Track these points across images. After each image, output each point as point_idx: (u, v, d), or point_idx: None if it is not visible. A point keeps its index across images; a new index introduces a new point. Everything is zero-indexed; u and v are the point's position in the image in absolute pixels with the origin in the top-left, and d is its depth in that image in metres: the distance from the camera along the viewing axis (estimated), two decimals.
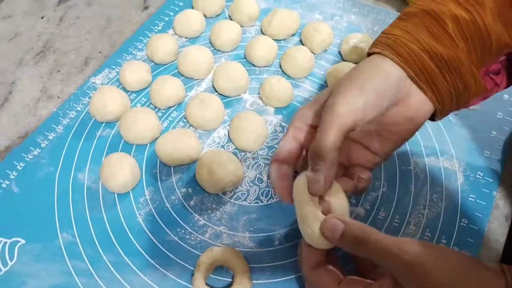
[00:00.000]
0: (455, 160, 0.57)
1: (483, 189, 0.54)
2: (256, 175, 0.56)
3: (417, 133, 0.58)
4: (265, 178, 0.56)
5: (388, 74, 0.41)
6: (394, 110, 0.43)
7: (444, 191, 0.54)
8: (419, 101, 0.43)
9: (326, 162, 0.40)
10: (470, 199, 0.53)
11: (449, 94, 0.43)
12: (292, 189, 0.43)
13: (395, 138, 0.45)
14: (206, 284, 0.47)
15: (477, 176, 0.55)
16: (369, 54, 0.44)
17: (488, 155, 0.57)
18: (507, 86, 0.50)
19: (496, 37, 0.43)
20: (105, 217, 0.53)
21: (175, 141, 0.56)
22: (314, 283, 0.42)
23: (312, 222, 0.40)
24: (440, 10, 0.42)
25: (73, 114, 0.62)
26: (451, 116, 0.60)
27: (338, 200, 0.42)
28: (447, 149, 0.58)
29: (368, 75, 0.41)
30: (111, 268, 0.49)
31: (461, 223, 0.52)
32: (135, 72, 0.63)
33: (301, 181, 0.42)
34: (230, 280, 0.48)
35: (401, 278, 0.36)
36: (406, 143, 0.57)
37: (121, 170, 0.53)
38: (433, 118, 0.46)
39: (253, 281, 0.48)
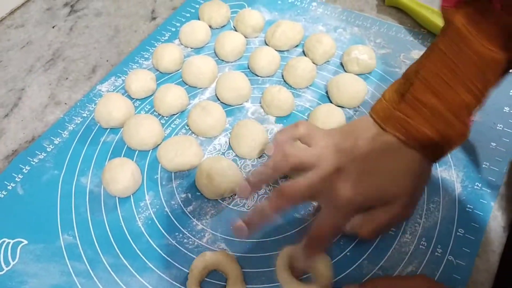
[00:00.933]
0: (454, 170, 0.57)
1: (481, 200, 0.54)
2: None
3: None
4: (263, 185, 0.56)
5: (412, 164, 0.47)
6: None
7: (442, 201, 0.54)
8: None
9: (324, 249, 0.47)
10: (467, 209, 0.54)
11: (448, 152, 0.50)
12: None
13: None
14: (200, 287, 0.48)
15: (475, 187, 0.55)
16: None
17: (487, 166, 0.57)
18: None
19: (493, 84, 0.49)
20: (105, 220, 0.54)
21: (176, 147, 0.57)
22: None
23: None
24: (454, 101, 0.47)
25: (79, 120, 0.63)
26: None
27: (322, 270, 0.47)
28: (446, 159, 0.58)
29: (395, 164, 0.47)
30: (109, 270, 0.50)
31: (458, 233, 0.52)
32: (140, 80, 0.64)
33: (284, 257, 0.48)
34: (224, 284, 0.49)
35: None
36: None
37: (123, 175, 0.54)
38: None
39: (248, 286, 0.48)
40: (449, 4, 0.48)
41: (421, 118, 0.47)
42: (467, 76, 0.46)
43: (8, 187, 0.57)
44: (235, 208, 0.55)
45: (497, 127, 0.60)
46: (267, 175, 0.49)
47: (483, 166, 0.57)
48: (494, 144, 0.59)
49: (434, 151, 0.48)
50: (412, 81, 0.48)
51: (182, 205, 0.55)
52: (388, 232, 0.52)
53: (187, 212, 0.54)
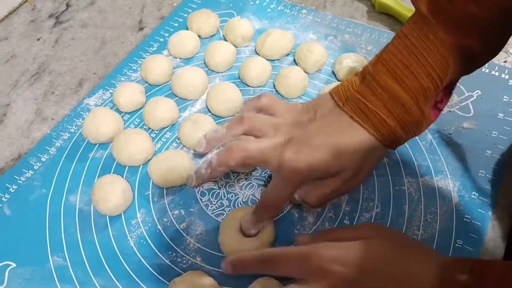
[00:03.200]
0: (450, 180, 0.56)
1: (478, 210, 0.54)
2: (249, 196, 0.56)
3: (411, 152, 0.58)
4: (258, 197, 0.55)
5: (360, 143, 0.48)
6: None
7: (439, 211, 0.54)
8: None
9: (272, 216, 0.50)
10: (465, 219, 0.53)
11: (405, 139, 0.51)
12: None
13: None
14: None
15: (472, 196, 0.55)
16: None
17: (483, 175, 0.56)
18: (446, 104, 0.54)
19: (453, 75, 0.49)
20: (96, 240, 0.52)
21: (167, 162, 0.55)
22: None
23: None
24: (413, 85, 0.47)
25: (66, 135, 0.62)
26: (445, 136, 0.60)
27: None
28: (442, 168, 0.57)
29: (344, 140, 0.48)
30: None
31: (456, 244, 0.51)
32: (129, 93, 0.63)
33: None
34: None
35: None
36: (400, 162, 0.57)
37: (113, 193, 0.53)
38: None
39: None
40: None
41: (378, 101, 0.48)
42: (428, 62, 0.46)
43: None
44: None
45: (492, 134, 0.60)
46: (221, 133, 0.52)
47: (479, 174, 0.56)
48: (489, 151, 0.58)
49: (389, 136, 0.49)
50: (374, 64, 0.49)
51: (175, 222, 0.54)
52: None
53: (180, 229, 0.53)
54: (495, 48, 0.49)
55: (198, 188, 0.56)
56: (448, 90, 0.51)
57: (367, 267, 0.40)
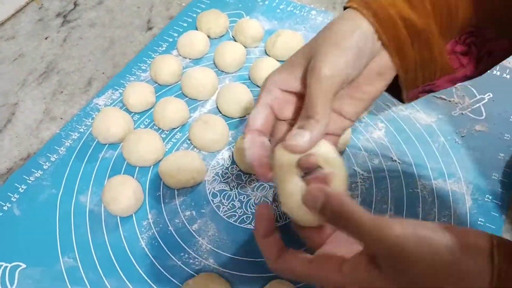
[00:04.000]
0: (463, 182, 0.56)
1: (492, 212, 0.53)
2: (261, 198, 0.55)
3: (423, 155, 0.58)
4: (270, 199, 0.55)
5: (365, 34, 0.40)
6: (369, 68, 0.42)
7: (452, 214, 0.53)
8: (387, 61, 0.42)
9: (318, 125, 0.38)
10: (479, 222, 0.53)
11: (414, 63, 0.43)
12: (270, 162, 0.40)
13: (367, 97, 0.44)
14: None
15: (486, 199, 0.54)
16: (345, 8, 0.43)
17: (496, 178, 0.56)
18: (475, 74, 0.49)
19: (463, 13, 0.43)
20: (107, 241, 0.52)
21: (178, 162, 0.55)
22: (285, 272, 0.38)
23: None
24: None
25: (75, 135, 0.61)
26: (457, 138, 0.60)
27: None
28: (455, 171, 0.57)
29: (348, 34, 0.40)
30: None
31: None
32: (139, 93, 0.63)
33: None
34: None
35: (380, 261, 0.34)
36: (413, 165, 0.57)
37: (124, 193, 0.52)
38: (401, 99, 0.46)
39: None
40: None
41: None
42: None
43: (4, 208, 0.54)
44: (241, 225, 0.53)
45: (505, 137, 0.60)
46: None
47: (493, 177, 0.56)
48: (502, 154, 0.58)
49: (389, 28, 0.41)
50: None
51: (186, 223, 0.53)
52: None
53: (191, 231, 0.53)
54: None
55: (209, 189, 0.56)
56: (474, 57, 0.47)
57: None
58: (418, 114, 0.63)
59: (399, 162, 0.58)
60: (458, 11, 0.43)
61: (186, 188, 0.56)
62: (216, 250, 0.51)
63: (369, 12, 0.41)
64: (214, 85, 0.65)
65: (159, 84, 0.67)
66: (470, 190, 0.55)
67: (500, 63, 0.62)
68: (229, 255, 0.51)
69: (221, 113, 0.63)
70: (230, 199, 0.55)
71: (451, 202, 0.54)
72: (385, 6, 0.41)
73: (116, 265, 0.50)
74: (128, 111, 0.63)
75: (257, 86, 0.66)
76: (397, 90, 0.45)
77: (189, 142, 0.60)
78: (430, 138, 0.60)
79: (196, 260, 0.50)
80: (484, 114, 0.62)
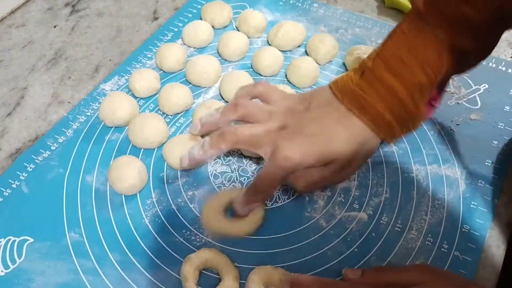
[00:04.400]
0: (457, 168, 0.58)
1: (484, 197, 0.55)
2: None
3: (419, 141, 0.60)
4: None
5: (355, 135, 0.50)
6: None
7: (446, 198, 0.55)
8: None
9: (262, 199, 0.51)
10: (471, 206, 0.54)
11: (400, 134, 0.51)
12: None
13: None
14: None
15: (479, 184, 0.56)
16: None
17: (489, 164, 0.58)
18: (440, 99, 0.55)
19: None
20: (112, 218, 0.54)
21: (182, 145, 0.57)
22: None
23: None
24: (410, 81, 0.48)
25: (83, 118, 0.63)
26: (452, 126, 0.61)
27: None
28: (449, 157, 0.59)
29: (338, 131, 0.49)
30: (117, 267, 0.50)
31: (463, 229, 0.52)
32: (144, 79, 0.65)
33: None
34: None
35: None
36: (409, 150, 0.59)
37: (129, 173, 0.54)
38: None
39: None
40: None
41: (376, 95, 0.49)
42: (424, 58, 0.47)
43: (13, 185, 0.56)
44: None
45: (499, 126, 0.61)
46: (215, 118, 0.54)
47: (486, 163, 0.58)
48: (496, 142, 0.60)
49: (385, 129, 0.50)
50: (373, 59, 0.50)
51: (188, 202, 0.55)
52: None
53: (193, 209, 0.54)
54: (488, 49, 0.50)
55: (211, 171, 0.58)
56: (441, 88, 0.53)
57: None
58: None
59: (395, 148, 0.60)
60: (443, 68, 0.49)
61: (188, 169, 0.58)
62: None
63: (362, 112, 0.49)
64: (217, 73, 0.67)
65: (164, 71, 0.69)
66: (463, 175, 0.57)
67: (496, 56, 0.64)
68: None
69: (223, 99, 0.65)
70: (231, 181, 0.57)
71: (445, 186, 0.56)
72: (378, 109, 0.49)
73: (121, 240, 0.52)
74: (133, 96, 0.65)
75: (259, 74, 0.68)
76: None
77: None
78: (426, 125, 0.62)
79: (198, 237, 0.52)
80: (479, 103, 0.64)
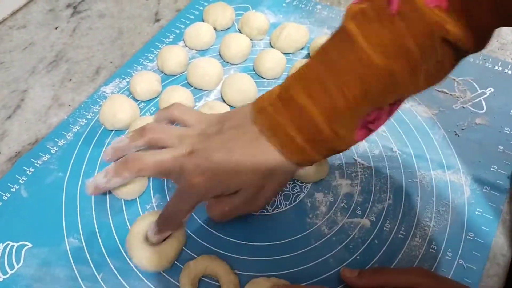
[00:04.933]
0: (462, 174, 0.57)
1: (489, 203, 0.54)
2: None
3: (423, 146, 0.59)
4: None
5: (265, 160, 0.45)
6: None
7: (451, 204, 0.54)
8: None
9: (171, 226, 0.49)
10: (476, 212, 0.53)
11: (320, 158, 0.46)
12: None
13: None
14: None
15: (484, 190, 0.55)
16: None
17: (495, 170, 0.57)
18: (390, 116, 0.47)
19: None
20: (111, 223, 0.53)
21: None
22: None
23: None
24: (326, 104, 0.42)
25: (83, 121, 0.62)
26: (457, 131, 0.60)
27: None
28: (454, 163, 0.58)
29: (246, 157, 0.45)
30: (116, 274, 0.49)
31: (468, 237, 0.51)
32: (146, 82, 0.64)
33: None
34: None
35: None
36: (412, 155, 0.58)
37: None
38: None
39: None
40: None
41: (288, 116, 0.43)
42: (345, 81, 0.41)
43: (12, 189, 0.56)
44: None
45: (505, 131, 0.60)
46: (124, 144, 0.50)
47: (491, 169, 0.57)
48: (501, 147, 0.59)
49: (297, 154, 0.45)
50: (292, 77, 0.45)
51: None
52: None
53: (193, 214, 0.54)
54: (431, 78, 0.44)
55: None
56: (387, 111, 0.45)
57: None
58: (420, 107, 0.64)
59: (399, 153, 0.59)
60: (369, 94, 0.42)
61: None
62: (216, 233, 0.52)
63: (277, 141, 0.44)
64: (219, 75, 0.66)
65: (165, 73, 0.68)
66: (468, 181, 0.56)
67: (502, 59, 0.63)
68: (228, 239, 0.52)
69: (225, 102, 0.64)
70: None
71: (450, 192, 0.55)
72: (292, 136, 0.44)
73: (120, 246, 0.51)
74: (134, 99, 0.65)
75: (261, 77, 0.68)
76: None
77: None
78: (431, 130, 0.61)
79: (197, 243, 0.51)
80: (484, 107, 0.63)
